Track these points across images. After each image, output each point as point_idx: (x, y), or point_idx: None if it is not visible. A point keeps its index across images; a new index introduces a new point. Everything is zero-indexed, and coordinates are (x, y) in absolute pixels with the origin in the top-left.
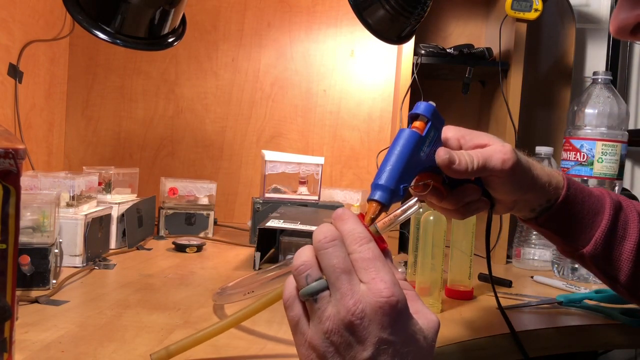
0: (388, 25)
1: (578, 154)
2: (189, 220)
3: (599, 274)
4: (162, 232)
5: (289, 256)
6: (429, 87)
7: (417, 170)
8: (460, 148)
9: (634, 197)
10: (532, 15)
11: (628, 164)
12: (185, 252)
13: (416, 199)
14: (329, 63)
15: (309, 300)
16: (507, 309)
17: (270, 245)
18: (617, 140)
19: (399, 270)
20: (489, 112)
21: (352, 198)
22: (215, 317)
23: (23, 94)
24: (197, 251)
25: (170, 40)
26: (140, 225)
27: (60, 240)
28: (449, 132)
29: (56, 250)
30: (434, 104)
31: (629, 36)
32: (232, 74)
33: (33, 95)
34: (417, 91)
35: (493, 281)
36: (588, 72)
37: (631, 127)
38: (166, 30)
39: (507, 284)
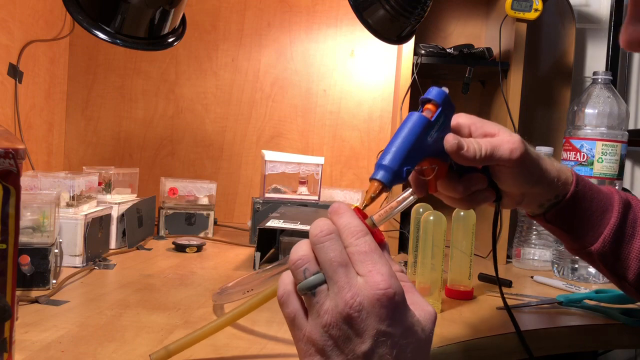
0: (388, 25)
1: (578, 154)
2: (189, 220)
3: (607, 272)
4: (162, 232)
5: (288, 257)
6: (429, 87)
7: (423, 155)
8: (470, 135)
9: None
10: (532, 15)
11: (628, 164)
12: (185, 252)
13: (411, 189)
14: (329, 63)
15: (307, 294)
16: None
17: (270, 245)
18: (617, 140)
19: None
20: (489, 112)
21: (352, 198)
22: (215, 317)
23: (23, 94)
24: (197, 251)
25: (170, 40)
26: (140, 225)
27: (60, 240)
28: (460, 118)
29: (56, 250)
30: (446, 90)
31: (639, 48)
32: (232, 74)
33: (33, 95)
34: (417, 91)
35: (499, 280)
36: (588, 72)
37: (631, 127)
38: (166, 30)
39: (507, 284)
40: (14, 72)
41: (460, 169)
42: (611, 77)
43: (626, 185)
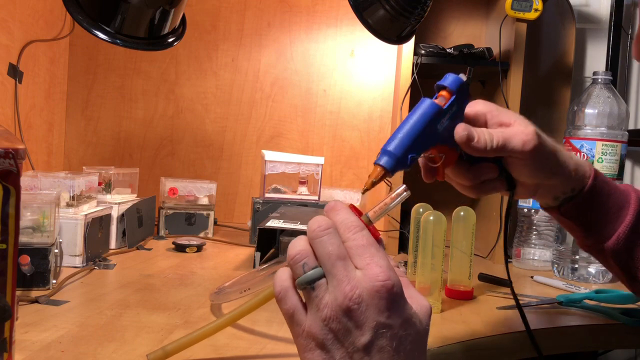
0: (388, 25)
1: (578, 154)
2: (189, 220)
3: (618, 270)
4: (162, 232)
5: (284, 256)
6: (429, 87)
7: (432, 143)
8: (485, 124)
9: None
10: (532, 15)
11: (628, 164)
12: (185, 252)
13: (404, 185)
14: (329, 63)
15: (307, 288)
16: (506, 308)
17: (270, 245)
18: (617, 140)
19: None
20: None
21: (352, 198)
22: (214, 317)
23: (23, 94)
24: (197, 251)
25: (170, 40)
26: (140, 225)
27: (60, 240)
28: (478, 105)
29: (56, 250)
30: (463, 78)
31: None
32: (232, 74)
33: (33, 95)
34: (417, 91)
35: (509, 275)
36: (588, 72)
37: (631, 127)
38: (166, 30)
39: (507, 283)
40: (14, 72)
41: (470, 157)
42: (611, 77)
43: None
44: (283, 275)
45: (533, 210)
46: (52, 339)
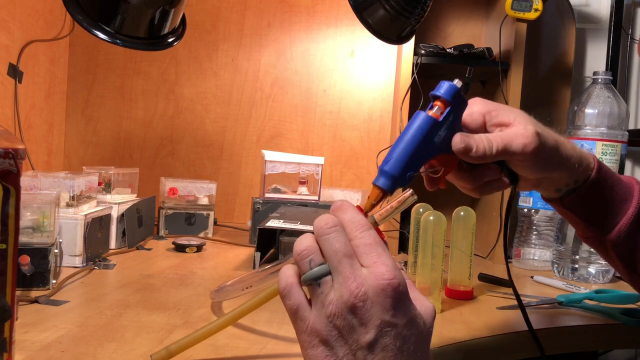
0: (388, 25)
1: None
2: (189, 220)
3: (618, 262)
4: (162, 232)
5: (288, 256)
6: (429, 87)
7: (430, 156)
8: (484, 124)
9: None
10: (532, 15)
11: (628, 164)
12: (185, 252)
13: (411, 190)
14: (329, 63)
15: (313, 285)
16: (507, 308)
17: (270, 245)
18: (617, 140)
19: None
20: None
21: (352, 198)
22: (214, 317)
23: (23, 94)
24: (197, 251)
25: (170, 40)
26: (140, 225)
27: (60, 240)
28: (475, 106)
29: (56, 250)
30: (458, 85)
31: None
32: (232, 74)
33: (33, 95)
34: (417, 91)
35: (509, 274)
36: (588, 72)
37: (631, 127)
38: (166, 30)
39: (507, 283)
40: (14, 72)
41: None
42: (611, 77)
43: None
44: (288, 272)
45: (533, 210)
46: (52, 339)
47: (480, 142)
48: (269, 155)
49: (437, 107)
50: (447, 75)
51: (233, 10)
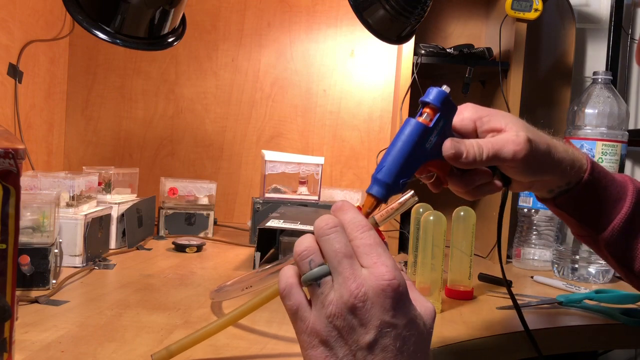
0: (388, 25)
1: None
2: (189, 220)
3: (612, 260)
4: (162, 232)
5: (288, 256)
6: (428, 88)
7: (422, 162)
8: (475, 130)
9: None
10: (532, 15)
11: (628, 164)
12: (185, 252)
13: (412, 192)
14: (329, 63)
15: (313, 285)
16: (506, 309)
17: (270, 245)
18: (617, 140)
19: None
20: None
21: (352, 198)
22: (214, 317)
23: (23, 94)
24: (197, 251)
25: (170, 40)
26: (140, 225)
27: (60, 240)
28: (466, 112)
29: (56, 250)
30: (447, 90)
31: None
32: (232, 74)
33: (33, 95)
34: (417, 91)
35: (504, 275)
36: (588, 72)
37: (631, 127)
38: (166, 30)
39: (507, 283)
40: (14, 72)
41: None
42: (611, 77)
43: None
44: (288, 272)
45: (533, 210)
46: (52, 339)
47: (471, 148)
48: (269, 155)
49: (426, 113)
50: (447, 75)
51: (233, 10)
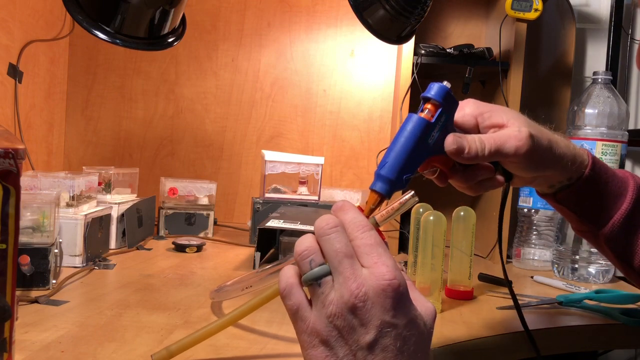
0: (388, 25)
1: None
2: (189, 220)
3: (612, 256)
4: (162, 232)
5: (288, 256)
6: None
7: (424, 157)
8: (477, 126)
9: None
10: (532, 15)
11: (628, 164)
12: (185, 252)
13: (413, 192)
14: (329, 63)
15: (313, 285)
16: (506, 309)
17: (270, 245)
18: (617, 140)
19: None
20: None
21: (352, 198)
22: (214, 317)
23: (23, 94)
24: (197, 251)
25: (170, 40)
26: (140, 225)
27: (60, 240)
28: (467, 107)
29: (56, 250)
30: (448, 86)
31: None
32: (232, 74)
33: (33, 95)
34: (417, 91)
35: (505, 274)
36: (588, 72)
37: (631, 127)
38: (166, 30)
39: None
40: (14, 72)
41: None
42: (611, 77)
43: None
44: (289, 272)
45: (533, 210)
46: (52, 339)
47: (473, 143)
48: (269, 155)
49: (428, 109)
50: (447, 75)
51: (233, 10)
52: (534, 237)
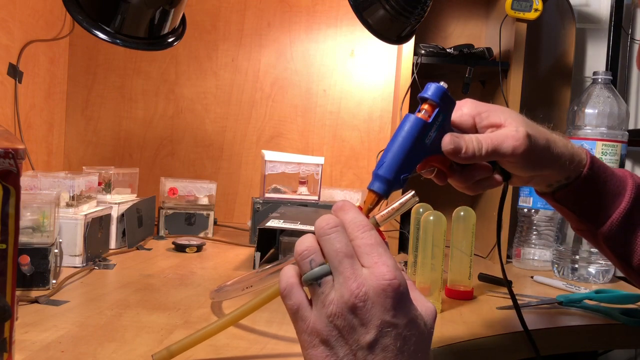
0: (388, 25)
1: None
2: (189, 220)
3: (611, 255)
4: (162, 232)
5: (288, 256)
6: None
7: (421, 158)
8: (474, 126)
9: None
10: (532, 15)
11: (628, 164)
12: (185, 252)
13: (413, 192)
14: (329, 63)
15: (313, 285)
16: (506, 308)
17: (270, 245)
18: (617, 140)
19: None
20: None
21: (352, 198)
22: (214, 317)
23: (23, 94)
24: (197, 251)
25: (170, 40)
26: (140, 225)
27: (60, 240)
28: (465, 107)
29: (56, 250)
30: (445, 86)
31: None
32: (232, 74)
33: (33, 95)
34: (417, 91)
35: (505, 274)
36: (588, 72)
37: (631, 127)
38: (166, 30)
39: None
40: (14, 72)
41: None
42: (611, 77)
43: None
44: (289, 272)
45: (533, 210)
46: (52, 339)
47: (470, 143)
48: (269, 155)
49: (425, 109)
50: (447, 75)
51: (233, 10)
52: (534, 237)
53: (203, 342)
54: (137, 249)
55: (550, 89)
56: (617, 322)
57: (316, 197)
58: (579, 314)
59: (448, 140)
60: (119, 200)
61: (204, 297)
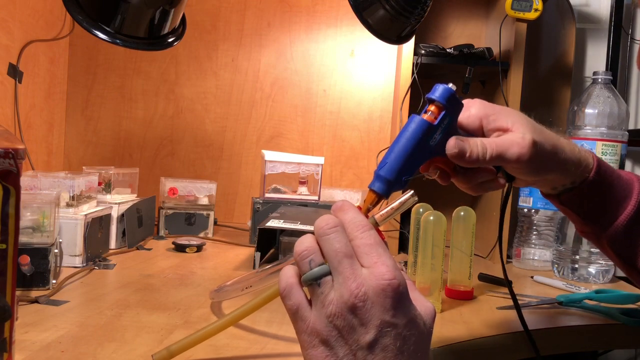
0: (388, 25)
1: None
2: (189, 220)
3: (615, 257)
4: (162, 232)
5: (288, 256)
6: (429, 87)
7: (424, 160)
8: (481, 128)
9: None
10: (532, 15)
11: (628, 164)
12: (185, 252)
13: (412, 192)
14: (329, 63)
15: (313, 285)
16: (506, 309)
17: (270, 245)
18: (617, 140)
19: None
20: None
21: (352, 198)
22: (214, 317)
23: (23, 94)
24: (197, 251)
25: (170, 40)
26: (140, 225)
27: (60, 240)
28: (473, 108)
29: (56, 250)
30: (453, 88)
31: None
32: (232, 74)
33: (33, 95)
34: (417, 91)
35: (505, 274)
36: (588, 72)
37: (631, 127)
38: (166, 30)
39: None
40: (14, 72)
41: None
42: (611, 77)
43: None
44: (288, 272)
45: (533, 210)
46: (52, 339)
47: (475, 147)
48: (269, 155)
49: (431, 111)
50: (447, 75)
51: (233, 10)
52: (534, 237)
53: (203, 342)
54: (137, 249)
55: (550, 89)
56: (617, 322)
57: (316, 197)
58: (579, 314)
59: (452, 144)
60: (119, 200)
61: (204, 297)
